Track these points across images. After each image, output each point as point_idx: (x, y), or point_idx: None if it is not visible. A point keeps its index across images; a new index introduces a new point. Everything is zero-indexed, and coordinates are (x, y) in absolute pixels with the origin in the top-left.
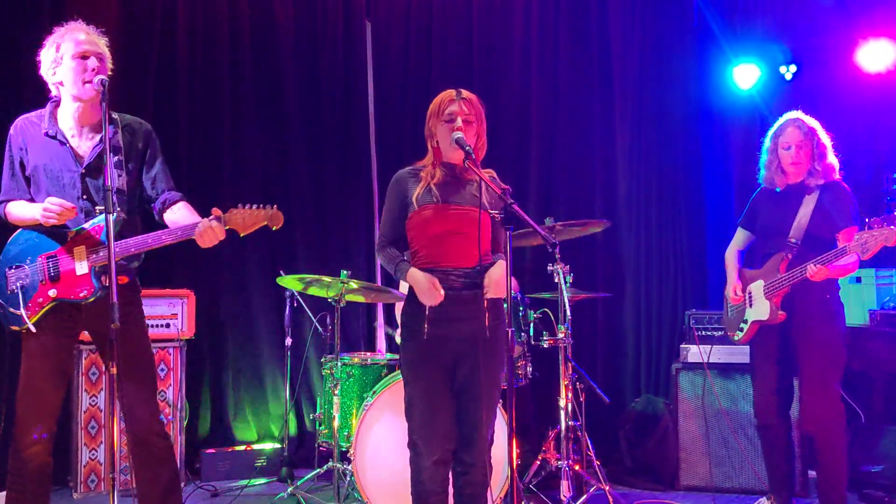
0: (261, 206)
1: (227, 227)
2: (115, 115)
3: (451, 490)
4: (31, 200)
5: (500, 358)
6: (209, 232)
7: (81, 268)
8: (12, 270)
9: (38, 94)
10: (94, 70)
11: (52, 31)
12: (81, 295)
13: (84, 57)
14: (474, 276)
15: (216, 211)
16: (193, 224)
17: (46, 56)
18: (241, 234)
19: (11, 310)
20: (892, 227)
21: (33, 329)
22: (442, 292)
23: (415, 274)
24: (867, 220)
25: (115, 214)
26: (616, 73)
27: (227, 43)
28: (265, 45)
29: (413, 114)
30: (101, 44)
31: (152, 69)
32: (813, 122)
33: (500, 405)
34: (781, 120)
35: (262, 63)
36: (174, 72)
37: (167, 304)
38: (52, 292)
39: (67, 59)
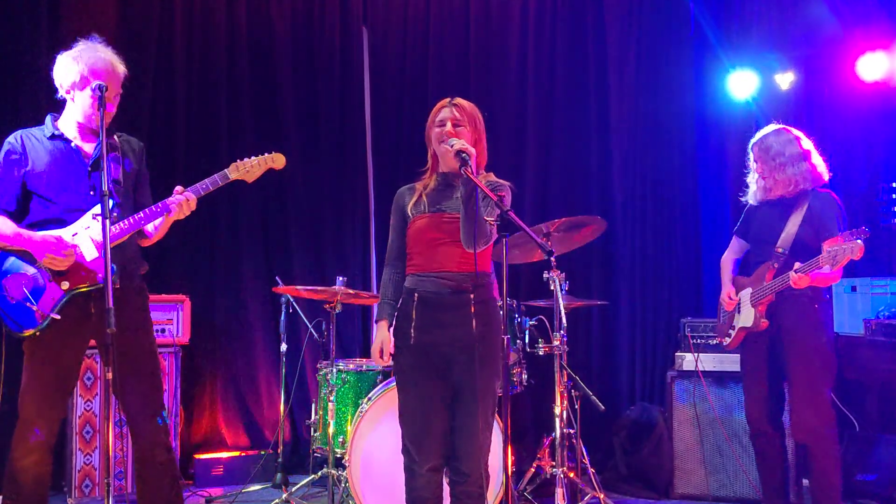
0: (260, 155)
1: (235, 178)
2: (114, 134)
3: (446, 496)
4: (10, 216)
5: (493, 365)
6: (183, 206)
7: (91, 253)
8: (10, 279)
9: (35, 101)
10: (109, 110)
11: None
12: (100, 278)
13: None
14: (465, 282)
15: (179, 188)
16: (165, 202)
17: (69, 69)
18: (250, 181)
19: (29, 304)
20: (858, 240)
21: (57, 317)
22: (385, 361)
23: (380, 329)
24: (840, 232)
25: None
26: (612, 81)
27: (225, 50)
28: (262, 51)
29: (409, 120)
30: (121, 73)
31: (150, 77)
32: (794, 131)
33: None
34: (759, 136)
35: (259, 69)
36: (171, 79)
37: (163, 309)
38: (65, 284)
39: (88, 92)
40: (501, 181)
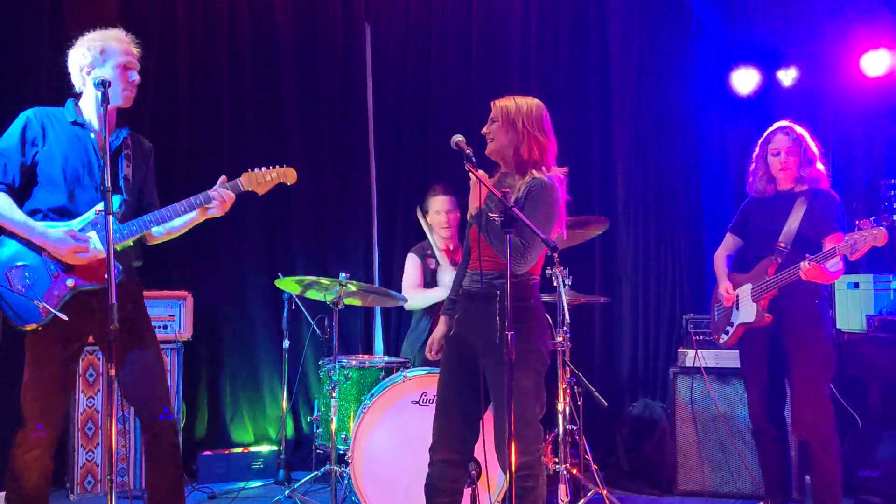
0: (272, 166)
1: (247, 189)
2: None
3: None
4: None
5: (522, 361)
6: (223, 198)
7: (99, 253)
8: (14, 270)
9: (38, 100)
10: (133, 82)
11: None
12: (105, 278)
13: (127, 68)
14: (495, 280)
15: (224, 179)
16: (206, 193)
17: (86, 53)
18: (261, 193)
19: (35, 302)
20: (881, 227)
21: (64, 317)
22: (431, 355)
23: (439, 323)
24: (857, 221)
25: (119, 203)
26: (615, 78)
27: (227, 46)
28: (265, 47)
29: (411, 115)
30: (136, 50)
31: (152, 75)
32: (801, 130)
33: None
34: (770, 128)
35: (261, 66)
36: (174, 76)
37: (165, 305)
38: (70, 282)
39: (111, 66)
40: (544, 177)
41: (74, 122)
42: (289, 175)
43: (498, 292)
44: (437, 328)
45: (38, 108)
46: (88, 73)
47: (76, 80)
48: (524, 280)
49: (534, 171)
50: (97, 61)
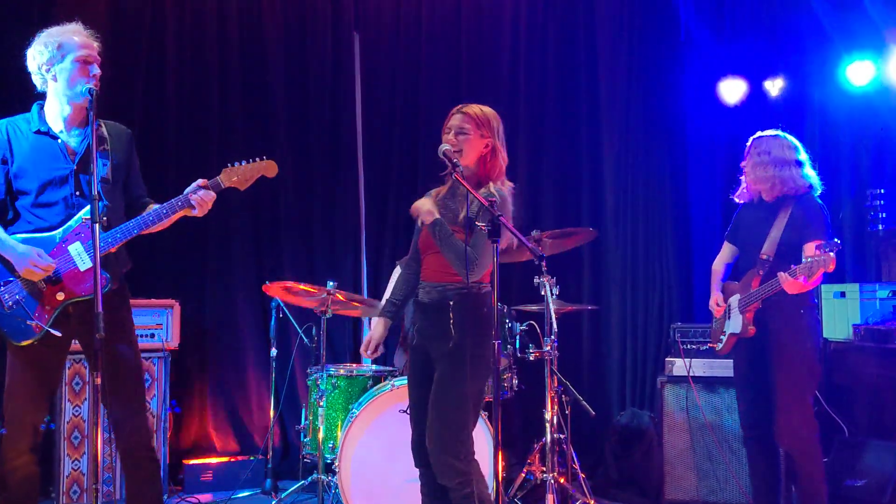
0: (253, 159)
1: (228, 186)
2: (99, 121)
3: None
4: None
5: (468, 371)
6: (203, 201)
7: (85, 263)
8: (1, 287)
9: (24, 93)
10: (94, 76)
11: (46, 27)
12: (90, 288)
13: (87, 62)
14: (446, 292)
15: (203, 181)
16: (186, 195)
17: (43, 50)
18: (242, 189)
19: (28, 322)
20: (831, 253)
21: (57, 333)
22: (367, 355)
23: (376, 324)
24: (815, 244)
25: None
26: (603, 87)
27: (216, 53)
28: (254, 56)
29: (400, 125)
30: (95, 42)
31: (140, 78)
32: (790, 139)
33: (485, 418)
34: (755, 136)
35: (250, 73)
36: (162, 82)
37: (152, 314)
38: (60, 295)
39: (70, 60)
40: (496, 191)
41: (38, 132)
42: (269, 168)
43: (450, 303)
44: (374, 328)
45: (3, 119)
46: (48, 71)
47: (36, 79)
48: (477, 290)
49: (490, 186)
50: (56, 57)
